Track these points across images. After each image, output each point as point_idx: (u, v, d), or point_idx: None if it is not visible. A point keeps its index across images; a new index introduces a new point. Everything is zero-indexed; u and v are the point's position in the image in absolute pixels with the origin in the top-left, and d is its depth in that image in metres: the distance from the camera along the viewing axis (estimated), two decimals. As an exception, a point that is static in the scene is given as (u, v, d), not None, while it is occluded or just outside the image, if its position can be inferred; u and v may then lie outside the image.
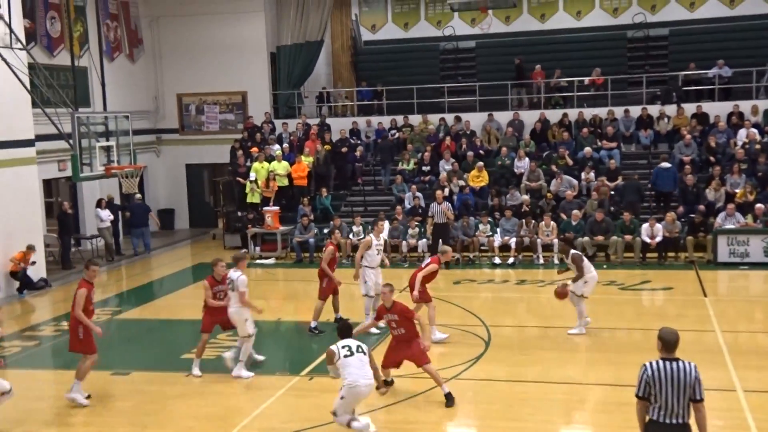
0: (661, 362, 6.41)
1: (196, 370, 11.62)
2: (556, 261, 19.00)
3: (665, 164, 20.60)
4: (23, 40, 17.95)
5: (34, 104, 17.96)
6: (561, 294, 13.21)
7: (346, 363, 8.89)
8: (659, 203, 20.78)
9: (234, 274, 11.33)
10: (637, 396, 6.50)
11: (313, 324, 13.58)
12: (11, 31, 17.18)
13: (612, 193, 20.64)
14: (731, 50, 24.67)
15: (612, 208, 20.12)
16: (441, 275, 18.28)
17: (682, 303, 15.62)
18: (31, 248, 18.01)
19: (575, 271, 13.18)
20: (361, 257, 13.51)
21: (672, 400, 6.33)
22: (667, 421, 6.35)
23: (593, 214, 19.47)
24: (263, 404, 10.33)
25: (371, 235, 13.76)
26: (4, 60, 16.78)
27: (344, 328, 9.38)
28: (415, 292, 12.49)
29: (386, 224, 15.01)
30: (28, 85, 17.52)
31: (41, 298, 17.70)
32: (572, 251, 13.42)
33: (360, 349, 9.02)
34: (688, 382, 6.33)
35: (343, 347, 9.01)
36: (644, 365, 6.47)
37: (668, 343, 6.46)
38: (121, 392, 11.18)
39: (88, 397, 10.67)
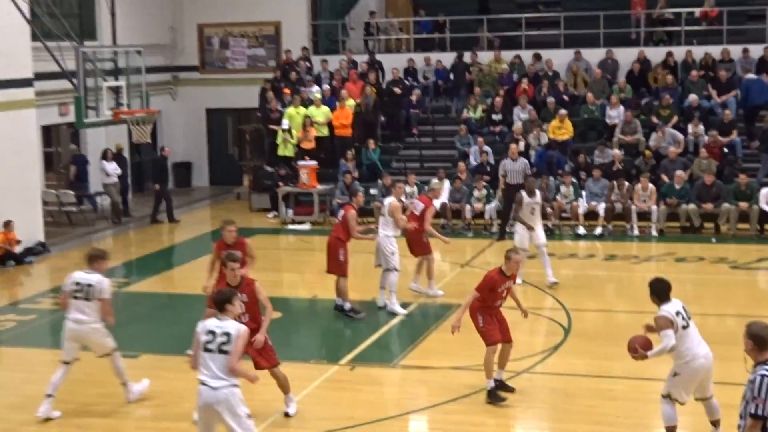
0: None
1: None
2: (654, 232, 18.87)
3: (751, 75, 21.49)
4: (20, -40, 18.22)
5: (34, 37, 18.26)
6: None
7: (685, 335, 8.60)
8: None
9: (387, 200, 14.04)
10: (760, 416, 6.32)
11: (347, 306, 13.61)
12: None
13: (726, 150, 20.29)
14: None
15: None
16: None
17: (809, 286, 15.38)
18: (8, 225, 17.74)
19: None
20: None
21: None
22: None
23: (701, 176, 19.18)
24: (295, 397, 10.49)
25: None
26: (-2, -17, 17.08)
27: (662, 288, 8.81)
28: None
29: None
30: (27, 15, 17.77)
31: (39, 266, 18.16)
32: None
33: (688, 314, 8.75)
34: None
35: (677, 314, 8.61)
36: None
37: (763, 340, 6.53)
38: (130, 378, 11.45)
39: None
